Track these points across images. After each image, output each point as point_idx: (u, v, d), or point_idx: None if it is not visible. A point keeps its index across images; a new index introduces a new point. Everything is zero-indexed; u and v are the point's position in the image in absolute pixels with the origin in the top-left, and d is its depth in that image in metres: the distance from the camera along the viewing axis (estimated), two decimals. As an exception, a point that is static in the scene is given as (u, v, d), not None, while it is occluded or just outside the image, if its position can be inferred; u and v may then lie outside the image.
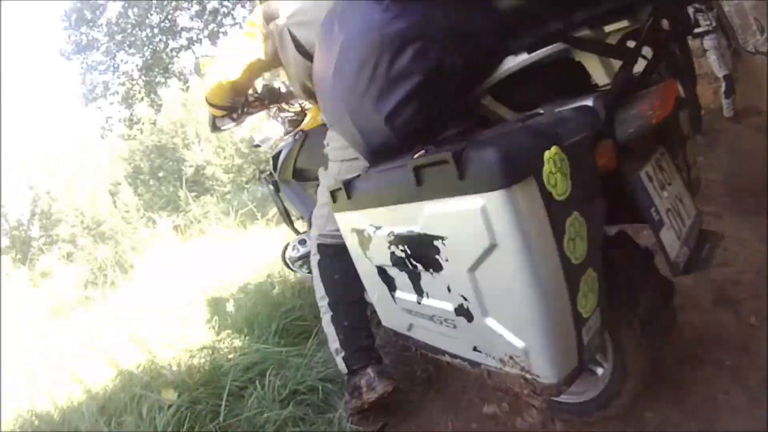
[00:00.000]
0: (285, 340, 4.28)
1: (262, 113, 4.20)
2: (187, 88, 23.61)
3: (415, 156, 1.87)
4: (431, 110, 2.07)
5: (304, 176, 3.93)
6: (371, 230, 2.20)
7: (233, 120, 3.94)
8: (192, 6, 21.16)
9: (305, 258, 4.11)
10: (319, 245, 3.20)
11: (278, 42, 2.86)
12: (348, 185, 2.27)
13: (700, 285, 3.29)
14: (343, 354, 3.08)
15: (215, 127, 4.04)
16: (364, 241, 2.29)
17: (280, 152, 4.10)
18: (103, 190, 46.72)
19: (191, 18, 21.43)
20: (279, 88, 4.07)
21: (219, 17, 21.57)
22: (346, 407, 3.13)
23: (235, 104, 3.76)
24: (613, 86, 1.96)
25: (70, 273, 10.93)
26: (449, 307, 2.00)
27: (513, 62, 2.03)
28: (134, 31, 19.85)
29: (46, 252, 43.00)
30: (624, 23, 1.94)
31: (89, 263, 10.75)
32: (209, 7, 21.32)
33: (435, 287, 2.03)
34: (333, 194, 2.39)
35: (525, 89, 2.15)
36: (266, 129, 4.16)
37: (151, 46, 20.57)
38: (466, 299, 1.88)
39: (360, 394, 2.97)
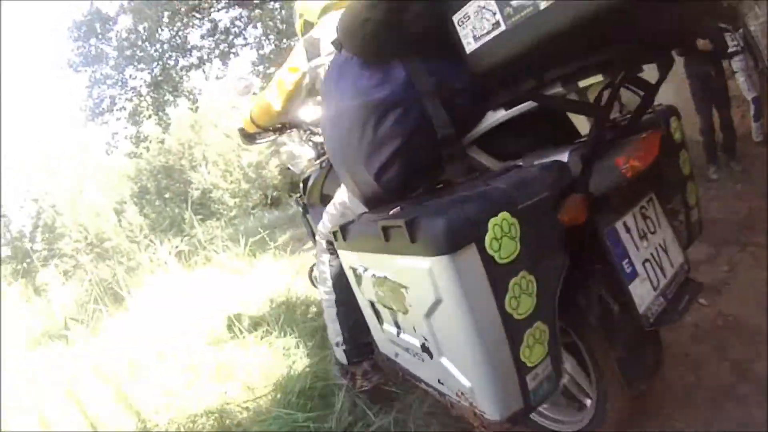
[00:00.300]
0: (312, 402, 3.76)
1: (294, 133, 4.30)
2: (196, 108, 23.21)
3: (391, 212, 2.03)
4: (414, 167, 2.29)
5: (329, 201, 3.69)
6: (361, 270, 2.35)
7: (269, 136, 4.21)
8: (203, 23, 20.85)
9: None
10: (328, 242, 3.37)
11: (316, 78, 3.16)
12: (343, 229, 2.42)
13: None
14: (344, 347, 3.44)
15: (250, 140, 4.21)
16: (357, 277, 2.43)
17: (309, 177, 4.22)
18: (108, 208, 46.72)
19: (202, 36, 21.11)
20: (302, 115, 4.00)
21: (230, 37, 21.29)
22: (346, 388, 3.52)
23: (276, 127, 4.09)
24: (588, 140, 2.05)
25: (66, 292, 10.46)
26: (417, 343, 2.15)
27: (493, 117, 2.24)
28: (144, 46, 19.51)
29: (47, 265, 42.97)
30: (599, 78, 1.88)
31: (87, 285, 10.18)
32: (221, 26, 21.07)
33: (406, 326, 2.19)
34: (334, 234, 2.51)
35: (510, 140, 2.33)
36: (297, 152, 4.23)
37: (160, 63, 20.22)
38: (426, 339, 2.06)
39: (354, 382, 3.47)
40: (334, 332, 3.48)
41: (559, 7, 1.57)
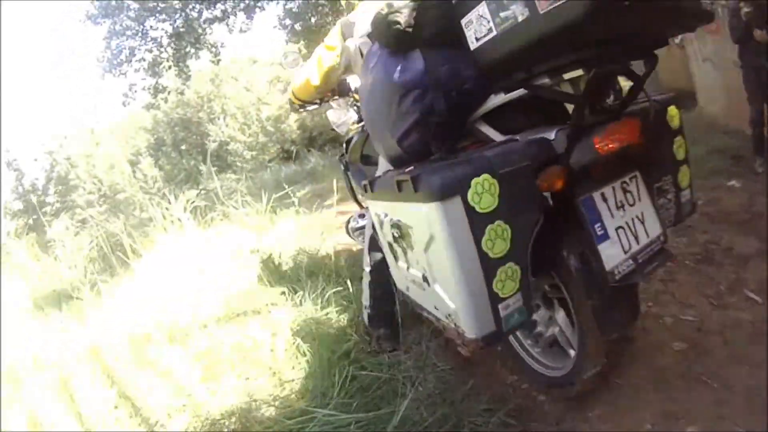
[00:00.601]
0: (356, 399, 3.38)
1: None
2: (218, 61, 22.88)
3: (406, 170, 2.50)
4: (427, 137, 2.69)
5: (368, 161, 4.52)
6: (382, 215, 2.86)
7: (315, 104, 4.44)
8: None
9: (363, 229, 4.48)
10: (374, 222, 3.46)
11: (352, 56, 3.49)
12: (371, 183, 2.95)
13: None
14: (368, 311, 4.00)
15: (297, 109, 4.47)
16: (380, 222, 2.96)
17: (351, 138, 4.60)
18: (123, 160, 46.42)
19: None
20: (351, 83, 4.25)
21: (256, -11, 20.68)
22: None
23: (317, 99, 4.33)
24: (571, 123, 2.42)
25: (74, 248, 9.56)
26: (419, 274, 2.62)
27: (495, 100, 2.61)
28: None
29: (58, 218, 42.73)
30: (579, 72, 2.25)
31: (95, 244, 9.29)
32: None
33: (412, 260, 2.67)
34: (365, 187, 3.04)
35: (513, 117, 2.68)
36: (342, 115, 4.53)
37: (183, 14, 19.76)
38: (425, 270, 2.54)
39: (369, 341, 4.00)
40: (365, 296, 4.05)
41: (533, 20, 1.97)
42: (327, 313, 4.69)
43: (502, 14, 2.11)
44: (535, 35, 2.01)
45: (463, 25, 2.39)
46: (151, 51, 20.26)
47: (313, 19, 20.19)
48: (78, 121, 47.75)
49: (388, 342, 3.95)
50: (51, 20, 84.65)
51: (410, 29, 2.58)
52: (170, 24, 19.83)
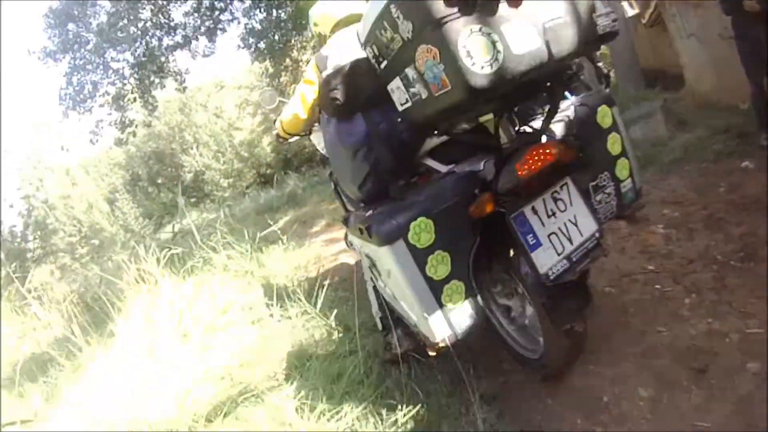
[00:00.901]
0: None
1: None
2: (184, 89, 22.18)
3: (366, 215, 3.25)
4: (380, 184, 3.37)
5: None
6: (358, 246, 3.87)
7: (304, 134, 4.78)
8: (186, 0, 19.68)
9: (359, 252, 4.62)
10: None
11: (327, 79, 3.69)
12: (346, 220, 4.17)
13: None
14: (380, 315, 4.28)
15: (285, 141, 4.86)
16: (360, 251, 3.93)
17: None
18: (100, 199, 46.02)
19: (186, 14, 20.01)
20: None
21: (216, 13, 20.17)
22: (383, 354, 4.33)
23: (305, 131, 4.65)
24: (495, 154, 3.00)
25: (52, 309, 8.78)
26: (390, 293, 3.56)
27: (432, 141, 3.38)
28: (125, 26, 18.22)
29: (42, 264, 42.17)
30: (489, 116, 3.06)
31: (71, 297, 8.47)
32: (205, 2, 19.92)
33: (385, 282, 3.50)
34: (343, 221, 4.31)
35: (452, 150, 3.32)
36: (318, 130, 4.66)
37: (143, 42, 19.08)
38: (392, 291, 3.42)
39: (391, 348, 4.05)
40: (374, 302, 4.39)
41: (431, 98, 2.51)
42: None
43: (411, 90, 2.66)
44: (436, 108, 2.56)
45: (389, 90, 2.91)
46: (114, 84, 19.55)
47: (276, 36, 19.58)
48: (50, 162, 46.91)
49: (407, 340, 3.95)
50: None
51: (348, 100, 3.25)
52: (131, 54, 19.15)
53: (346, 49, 3.61)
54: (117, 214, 44.50)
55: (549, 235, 2.90)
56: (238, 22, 20.52)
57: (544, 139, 3.13)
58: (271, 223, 8.47)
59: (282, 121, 4.46)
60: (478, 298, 3.09)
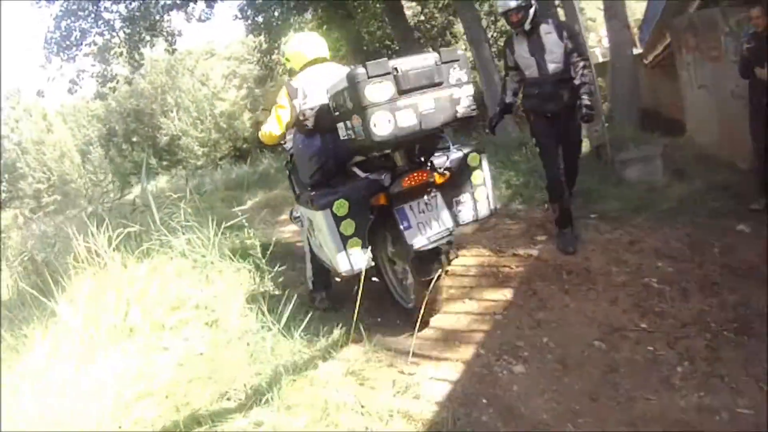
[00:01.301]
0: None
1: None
2: (173, 51, 21.59)
3: (311, 194, 4.72)
4: (323, 177, 4.91)
5: None
6: (303, 214, 5.34)
7: (280, 144, 6.09)
8: None
9: (300, 217, 5.77)
10: (310, 195, 5.11)
11: (297, 110, 5.23)
12: (298, 197, 5.81)
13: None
14: (311, 280, 5.86)
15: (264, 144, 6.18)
16: (303, 216, 5.39)
17: (293, 154, 5.97)
18: (73, 149, 45.38)
19: None
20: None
21: (219, -23, 19.22)
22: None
23: (279, 142, 5.84)
24: (392, 171, 4.50)
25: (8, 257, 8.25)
26: (317, 243, 4.93)
27: (357, 158, 4.85)
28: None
29: (8, 207, 41.34)
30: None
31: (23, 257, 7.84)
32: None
33: (316, 235, 4.82)
34: (297, 198, 5.95)
35: (369, 165, 4.75)
36: (290, 141, 5.68)
37: None
38: (319, 241, 4.73)
39: (315, 303, 5.79)
40: (308, 267, 5.85)
41: (356, 140, 4.15)
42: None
43: (348, 131, 4.29)
44: (358, 145, 4.20)
45: (337, 126, 4.47)
46: (102, 35, 18.78)
47: (276, 12, 18.83)
48: (28, 104, 45.91)
49: (326, 302, 5.81)
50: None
51: (314, 127, 4.85)
52: (125, 6, 18.43)
53: (311, 86, 5.14)
54: (88, 167, 43.97)
55: (418, 223, 4.43)
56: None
57: (447, 159, 4.66)
58: (238, 212, 7.72)
59: (263, 134, 5.57)
60: (368, 251, 4.42)
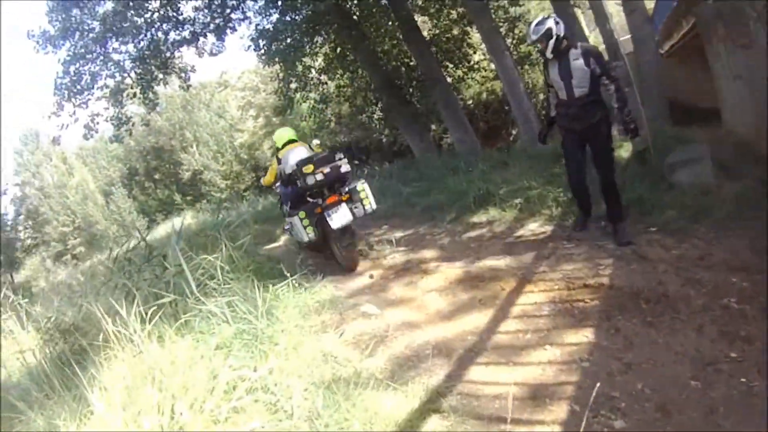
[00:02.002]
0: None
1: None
2: (188, 87, 21.30)
3: (290, 211, 9.00)
4: (294, 204, 8.87)
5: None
6: (288, 220, 8.90)
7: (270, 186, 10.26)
8: None
9: (290, 228, 8.84)
10: (292, 223, 8.39)
11: (284, 173, 8.90)
12: (284, 215, 10.23)
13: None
14: (299, 247, 9.74)
15: (264, 186, 10.42)
16: (288, 223, 8.93)
17: (279, 191, 10.22)
18: (95, 191, 45.31)
19: (195, 9, 18.83)
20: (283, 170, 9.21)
21: (227, 10, 19.10)
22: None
23: (271, 186, 10.04)
24: (323, 197, 8.28)
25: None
26: (294, 232, 8.63)
27: (307, 193, 8.36)
28: (130, 16, 17.14)
29: (32, 254, 41.36)
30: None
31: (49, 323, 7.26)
32: (217, -1, 18.66)
33: (293, 227, 8.54)
34: (284, 214, 10.03)
35: (313, 195, 8.27)
36: (277, 186, 9.92)
37: (148, 35, 17.98)
38: (294, 231, 8.54)
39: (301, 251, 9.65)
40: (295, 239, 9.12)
41: (303, 186, 8.17)
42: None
43: (300, 183, 8.23)
44: (304, 187, 8.05)
45: (300, 179, 8.06)
46: (113, 77, 18.30)
47: (289, 39, 18.24)
48: (46, 148, 45.95)
49: (304, 255, 9.00)
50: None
51: (288, 181, 8.72)
52: (134, 46, 18.02)
53: (287, 159, 8.71)
54: (112, 208, 43.92)
55: (334, 217, 7.68)
56: (249, 22, 19.77)
57: (346, 188, 8.18)
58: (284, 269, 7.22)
59: (263, 182, 9.96)
60: (316, 230, 7.82)
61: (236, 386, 4.41)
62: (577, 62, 6.55)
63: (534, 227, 8.08)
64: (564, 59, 6.63)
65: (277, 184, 9.66)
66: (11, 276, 37.53)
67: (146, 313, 5.06)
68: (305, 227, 7.95)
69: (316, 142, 10.77)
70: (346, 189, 8.23)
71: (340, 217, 7.80)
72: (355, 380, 4.54)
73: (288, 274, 7.32)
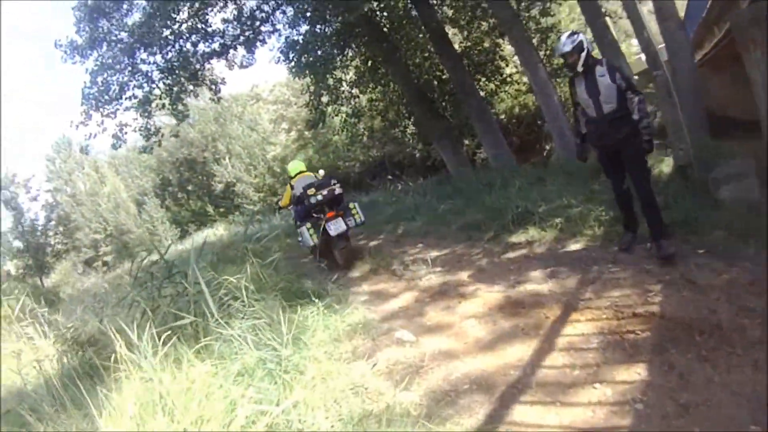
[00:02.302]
0: None
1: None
2: (218, 99, 21.30)
3: (300, 223, 11.23)
4: (303, 219, 10.82)
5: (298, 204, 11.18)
6: (299, 231, 11.06)
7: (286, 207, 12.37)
8: (227, 6, 18.60)
9: (301, 238, 10.75)
10: (302, 232, 10.48)
11: (295, 196, 11.12)
12: (296, 226, 12.41)
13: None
14: (312, 252, 11.32)
15: (280, 208, 12.74)
16: (302, 230, 10.80)
17: (291, 210, 12.09)
18: (128, 200, 45.51)
19: (224, 21, 18.83)
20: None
21: (257, 23, 19.01)
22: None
23: (288, 207, 12.10)
24: (324, 213, 10.40)
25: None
26: (303, 239, 10.79)
27: (312, 211, 10.50)
28: (158, 27, 16.93)
29: (62, 259, 41.57)
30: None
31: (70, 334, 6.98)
32: (246, 10, 18.86)
33: (302, 237, 10.75)
34: (296, 225, 12.18)
35: (318, 211, 10.30)
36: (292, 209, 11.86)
37: (176, 46, 17.93)
38: (302, 238, 10.77)
39: (312, 254, 11.46)
40: (310, 246, 10.62)
41: (308, 204, 10.50)
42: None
43: (306, 201, 10.38)
44: (310, 204, 10.19)
45: (308, 198, 10.28)
46: (141, 87, 18.23)
47: (319, 51, 17.96)
48: (78, 156, 46.37)
49: (318, 257, 10.48)
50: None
51: (298, 201, 10.75)
52: (162, 57, 17.99)
53: (298, 185, 10.65)
54: (144, 217, 44.18)
55: (332, 227, 9.78)
56: (279, 34, 19.78)
57: (341, 207, 10.33)
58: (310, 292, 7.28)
59: (281, 203, 12.01)
60: (319, 237, 9.61)
61: (256, 421, 4.07)
62: (604, 78, 6.49)
63: (576, 248, 7.53)
64: (590, 75, 6.56)
65: (291, 205, 12.04)
66: (41, 280, 38.44)
67: (160, 336, 4.69)
68: (311, 235, 10.25)
69: (321, 172, 12.38)
70: (341, 207, 10.70)
71: (336, 227, 10.19)
72: (388, 416, 4.19)
73: (317, 300, 6.98)
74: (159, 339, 4.72)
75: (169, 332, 4.92)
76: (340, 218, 10.32)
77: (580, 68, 6.50)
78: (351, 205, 10.78)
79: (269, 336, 5.08)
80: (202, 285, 5.66)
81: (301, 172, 11.72)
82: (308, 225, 10.21)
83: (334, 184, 10.60)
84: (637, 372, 4.23)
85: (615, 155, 6.75)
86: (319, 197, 10.20)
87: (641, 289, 5.68)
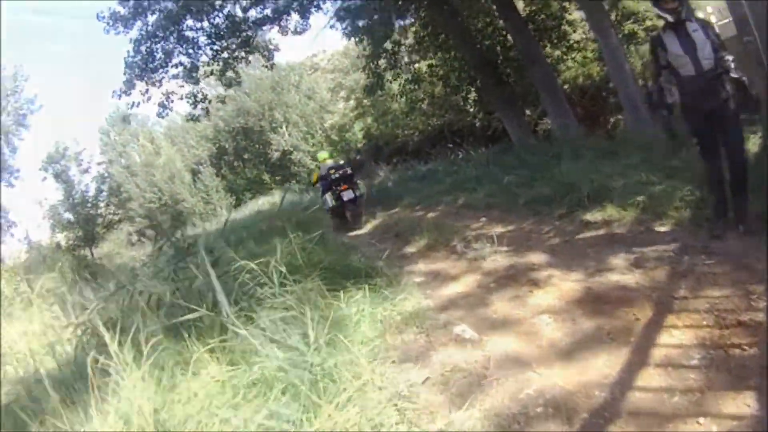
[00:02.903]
0: None
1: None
2: (272, 66, 21.43)
3: (325, 192, 15.82)
4: (326, 190, 15.46)
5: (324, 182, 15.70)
6: (324, 197, 15.80)
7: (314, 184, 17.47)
8: None
9: (325, 202, 15.23)
10: (325, 198, 15.30)
11: (322, 174, 15.70)
12: (323, 194, 16.29)
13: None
14: (330, 212, 15.46)
15: (312, 184, 18.30)
16: (326, 197, 15.65)
17: (320, 188, 16.51)
18: (183, 170, 45.58)
19: None
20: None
21: (311, -14, 18.09)
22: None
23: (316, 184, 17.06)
24: (340, 186, 15.06)
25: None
26: (327, 202, 15.43)
27: (333, 185, 15.20)
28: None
29: (112, 230, 41.83)
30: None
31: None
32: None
33: (326, 201, 15.57)
34: (324, 197, 16.00)
35: (336, 185, 14.85)
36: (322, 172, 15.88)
37: (223, 12, 17.47)
38: (326, 201, 15.59)
39: (333, 216, 15.39)
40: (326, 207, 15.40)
41: (330, 179, 15.60)
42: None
43: (328, 179, 15.28)
44: (330, 182, 15.12)
45: (333, 180, 15.18)
46: (187, 54, 17.99)
47: (375, 16, 17.57)
48: (132, 128, 46.68)
49: (334, 221, 14.94)
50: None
51: (323, 178, 15.38)
52: (209, 23, 17.61)
53: (323, 167, 15.75)
54: (199, 186, 44.20)
55: (345, 194, 14.32)
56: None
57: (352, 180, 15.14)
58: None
59: (311, 181, 18.38)
60: (336, 202, 14.53)
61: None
62: (698, 33, 5.93)
63: (662, 232, 6.55)
64: (683, 30, 6.00)
65: (318, 183, 15.88)
66: (91, 251, 38.77)
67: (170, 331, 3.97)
68: (331, 199, 14.23)
69: (340, 161, 17.69)
70: (352, 182, 14.44)
71: (348, 195, 13.90)
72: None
73: (364, 283, 5.84)
74: (164, 336, 4.01)
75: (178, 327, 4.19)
76: (350, 190, 14.50)
77: (683, 16, 5.94)
78: (359, 184, 15.82)
79: (298, 333, 4.29)
80: (212, 276, 4.78)
81: (325, 159, 16.72)
82: (329, 194, 14.74)
83: (347, 167, 15.62)
84: (746, 403, 3.20)
85: (709, 124, 6.07)
86: (337, 175, 14.69)
87: (742, 289, 4.55)
